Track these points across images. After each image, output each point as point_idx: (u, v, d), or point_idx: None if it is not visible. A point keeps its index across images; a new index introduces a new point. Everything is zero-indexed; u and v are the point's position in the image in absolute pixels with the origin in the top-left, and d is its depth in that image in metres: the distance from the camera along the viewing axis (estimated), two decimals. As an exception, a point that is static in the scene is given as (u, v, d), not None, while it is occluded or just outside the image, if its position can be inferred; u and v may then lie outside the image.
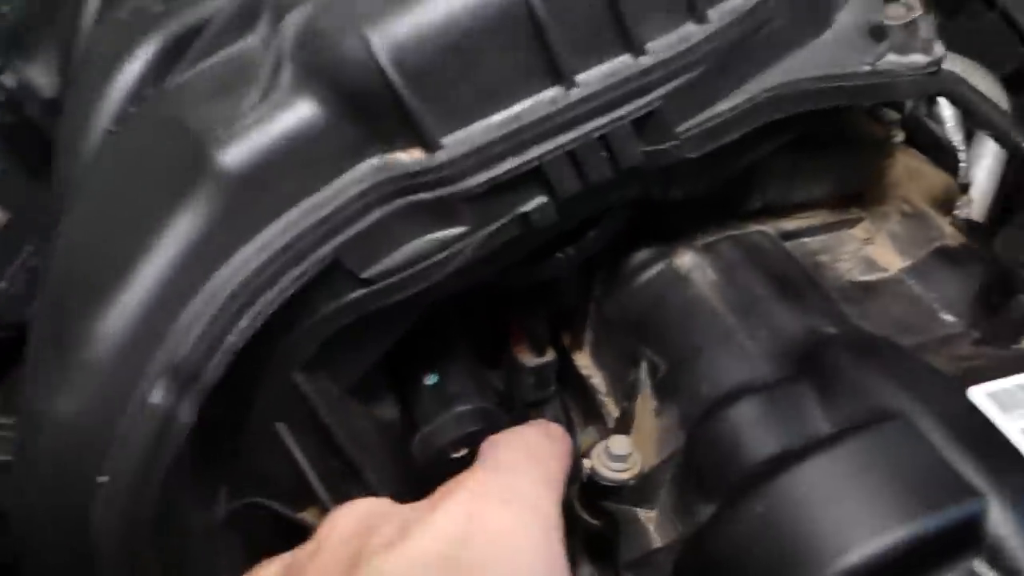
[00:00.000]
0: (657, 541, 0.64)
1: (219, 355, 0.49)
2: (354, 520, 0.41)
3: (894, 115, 0.77)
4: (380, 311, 0.57)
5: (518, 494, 0.41)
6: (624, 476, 0.68)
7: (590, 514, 0.73)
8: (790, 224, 0.76)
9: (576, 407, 0.85)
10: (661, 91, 0.53)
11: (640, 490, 0.66)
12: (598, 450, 0.70)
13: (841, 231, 0.76)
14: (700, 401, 0.62)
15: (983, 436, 0.50)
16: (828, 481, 0.49)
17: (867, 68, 0.56)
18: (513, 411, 0.80)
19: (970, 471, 0.48)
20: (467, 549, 0.36)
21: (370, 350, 0.62)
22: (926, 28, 0.55)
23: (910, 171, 0.82)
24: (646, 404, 0.70)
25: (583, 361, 0.82)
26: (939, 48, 0.56)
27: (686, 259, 0.71)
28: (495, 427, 0.67)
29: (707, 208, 0.75)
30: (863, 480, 0.49)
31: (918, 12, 0.55)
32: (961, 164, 0.87)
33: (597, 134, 0.53)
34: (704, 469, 0.59)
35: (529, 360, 0.81)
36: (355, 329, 0.58)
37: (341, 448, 0.61)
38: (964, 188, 0.86)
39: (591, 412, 0.79)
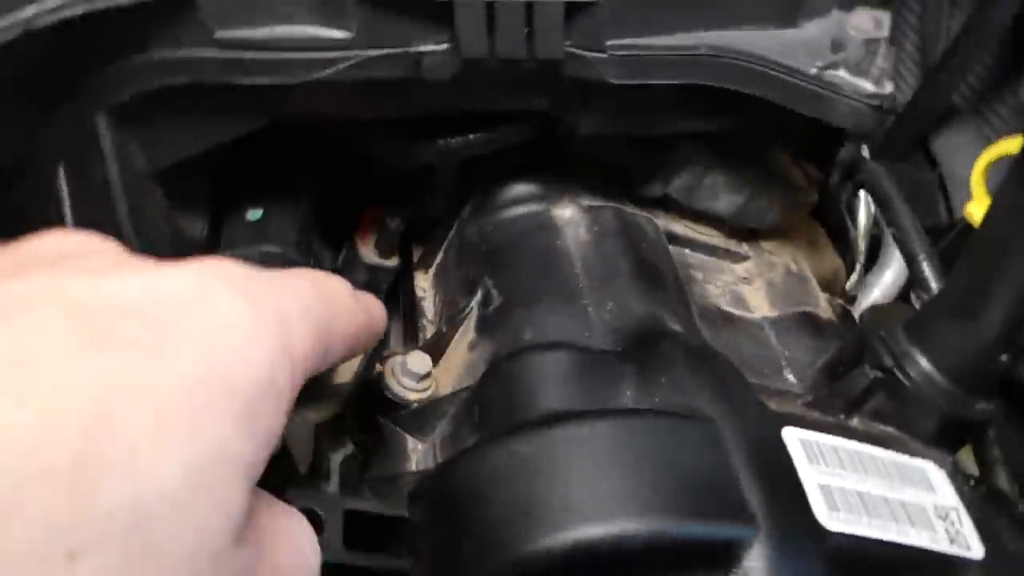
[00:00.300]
0: (413, 468, 0.58)
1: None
2: (69, 241, 0.33)
3: (817, 174, 0.75)
4: (219, 94, 0.49)
5: (271, 298, 0.33)
6: (410, 396, 0.62)
7: (359, 425, 0.66)
8: (678, 228, 0.71)
9: (397, 326, 0.79)
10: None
11: (419, 417, 0.60)
12: (394, 361, 0.63)
13: (724, 260, 0.73)
14: (516, 344, 0.57)
15: (780, 474, 0.46)
16: (605, 450, 0.44)
17: (814, 71, 0.52)
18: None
19: (754, 499, 0.44)
20: (178, 313, 0.29)
21: (193, 138, 0.54)
22: (884, 58, 0.52)
23: (811, 241, 0.79)
24: (465, 336, 0.64)
25: (422, 282, 0.76)
26: (889, 86, 0.53)
27: (566, 212, 0.66)
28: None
29: (606, 174, 0.70)
30: (645, 462, 0.44)
31: (883, 34, 0.52)
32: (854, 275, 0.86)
33: (525, -1, 0.47)
34: (487, 406, 0.53)
35: (369, 256, 0.74)
36: (184, 103, 0.50)
37: (120, 223, 0.52)
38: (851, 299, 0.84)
39: (410, 334, 0.72)
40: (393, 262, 0.75)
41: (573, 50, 0.51)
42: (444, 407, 0.59)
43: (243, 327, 0.30)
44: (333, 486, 0.70)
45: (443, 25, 0.49)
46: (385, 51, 0.49)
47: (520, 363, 0.53)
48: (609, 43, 0.51)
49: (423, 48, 0.50)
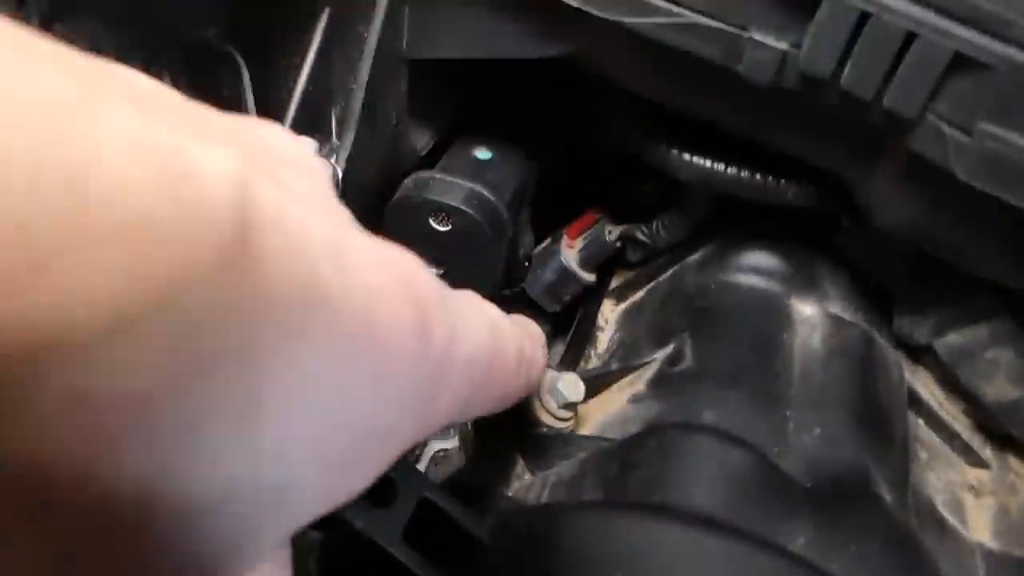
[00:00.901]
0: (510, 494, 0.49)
1: None
2: (287, 145, 0.26)
3: None
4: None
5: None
6: (545, 419, 0.53)
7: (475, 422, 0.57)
8: (924, 392, 0.58)
9: (553, 337, 0.70)
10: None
11: (543, 445, 0.50)
12: (551, 379, 0.54)
13: (959, 456, 0.59)
14: (690, 419, 0.46)
15: None
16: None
17: None
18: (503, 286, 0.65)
19: None
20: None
21: (467, 40, 0.47)
22: None
23: None
24: (633, 386, 0.54)
25: (608, 313, 0.66)
26: None
27: (807, 309, 0.55)
28: (488, 233, 0.52)
29: (871, 290, 0.58)
30: None
31: None
32: None
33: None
34: (630, 468, 0.43)
35: (570, 259, 0.66)
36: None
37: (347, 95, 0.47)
38: None
39: (571, 359, 0.63)
40: (590, 277, 0.66)
41: (929, 116, 0.41)
42: (574, 448, 0.49)
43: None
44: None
45: (796, 21, 0.40)
46: (718, 24, 0.41)
47: (690, 440, 0.42)
48: (982, 127, 0.40)
49: (758, 37, 0.41)
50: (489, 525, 0.38)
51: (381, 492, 0.36)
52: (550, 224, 0.68)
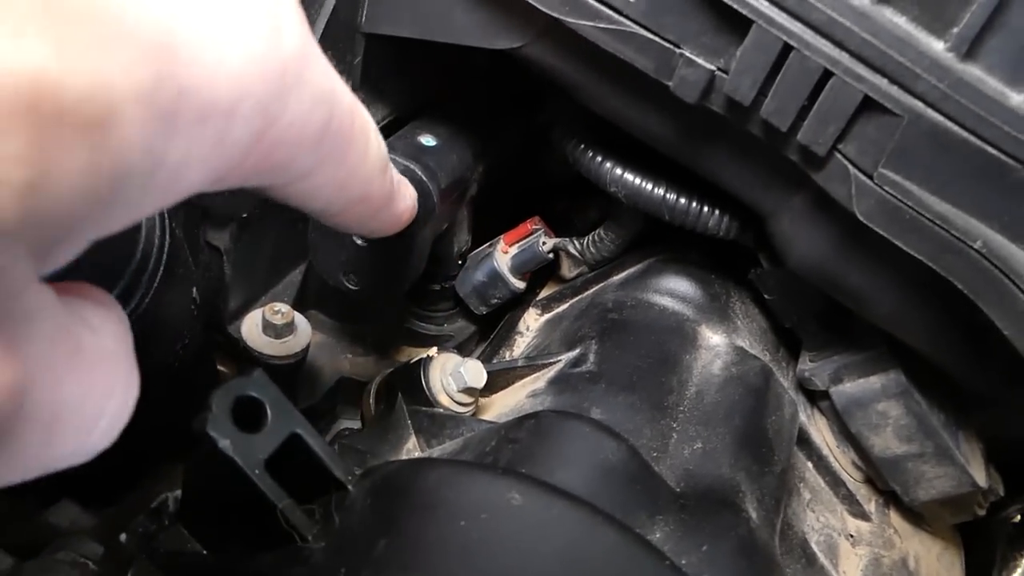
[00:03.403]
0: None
1: None
2: None
3: (998, 488, 0.61)
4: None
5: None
6: (443, 400, 0.54)
7: (380, 394, 0.58)
8: (817, 436, 0.60)
9: (474, 343, 0.71)
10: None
11: (436, 424, 0.51)
12: (449, 360, 0.56)
13: (841, 504, 0.61)
14: (573, 410, 0.47)
15: None
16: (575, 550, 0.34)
17: None
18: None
19: None
20: None
21: (417, 19, 0.49)
22: None
23: (944, 557, 0.65)
24: (534, 383, 0.56)
25: (530, 321, 0.68)
26: None
27: (713, 338, 0.57)
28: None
29: (779, 331, 0.60)
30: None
31: None
32: None
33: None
34: (507, 444, 0.44)
35: (502, 264, 0.67)
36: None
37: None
38: None
39: (486, 357, 0.64)
40: (520, 284, 0.67)
41: (837, 155, 0.43)
42: (464, 428, 0.50)
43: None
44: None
45: (727, 45, 0.43)
46: (653, 37, 0.43)
47: (566, 425, 0.43)
48: (883, 172, 0.42)
49: (690, 55, 0.43)
50: (354, 472, 0.39)
51: (250, 416, 0.37)
52: (493, 235, 0.70)
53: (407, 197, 0.39)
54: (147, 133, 0.20)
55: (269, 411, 0.37)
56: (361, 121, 0.32)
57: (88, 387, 0.23)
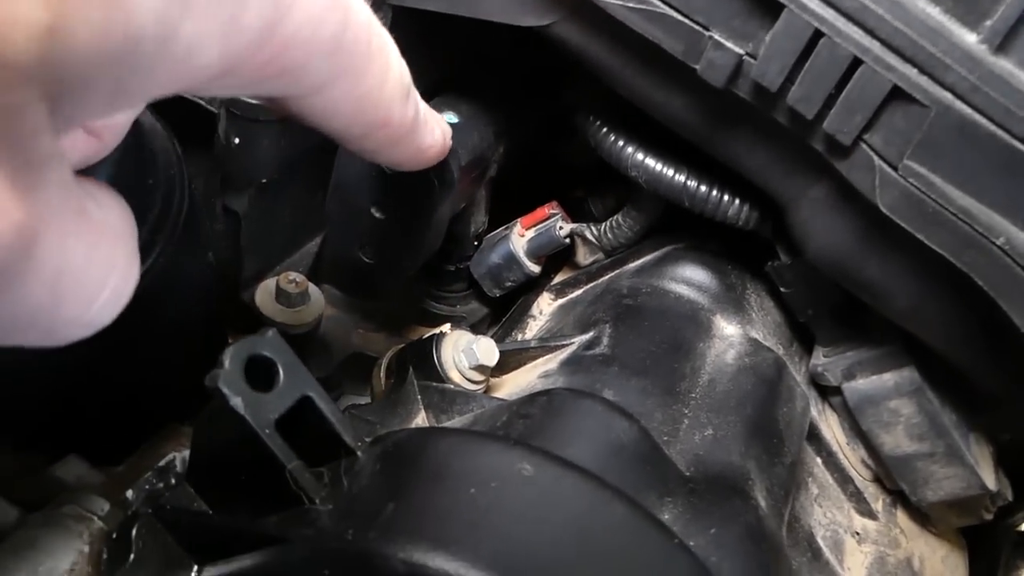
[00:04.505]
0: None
1: None
2: None
3: (1007, 493, 0.61)
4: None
5: None
6: (454, 376, 0.54)
7: (391, 368, 0.58)
8: (827, 432, 0.60)
9: (486, 326, 0.71)
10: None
11: (447, 399, 0.51)
12: (462, 337, 0.55)
13: (848, 501, 0.60)
14: (591, 392, 0.47)
15: None
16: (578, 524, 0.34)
17: None
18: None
19: None
20: None
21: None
22: None
23: (949, 559, 0.65)
24: (546, 364, 0.56)
25: (544, 305, 0.68)
26: None
27: (728, 328, 0.57)
28: (433, 185, 0.53)
29: (795, 324, 0.60)
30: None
31: None
32: None
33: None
34: (519, 419, 0.44)
35: (518, 247, 0.67)
36: None
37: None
38: None
39: (497, 337, 0.64)
40: (535, 268, 0.67)
41: (863, 145, 0.43)
42: (474, 404, 0.50)
43: None
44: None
45: (756, 29, 0.42)
46: (683, 19, 0.43)
47: (579, 402, 0.43)
48: (908, 163, 0.42)
49: (719, 38, 0.43)
50: (366, 439, 0.39)
51: (262, 376, 0.37)
52: (509, 218, 0.70)
53: (435, 131, 0.39)
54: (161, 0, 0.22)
55: (281, 372, 0.37)
56: (380, 41, 0.32)
57: (92, 253, 0.24)
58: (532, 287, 0.69)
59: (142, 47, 0.22)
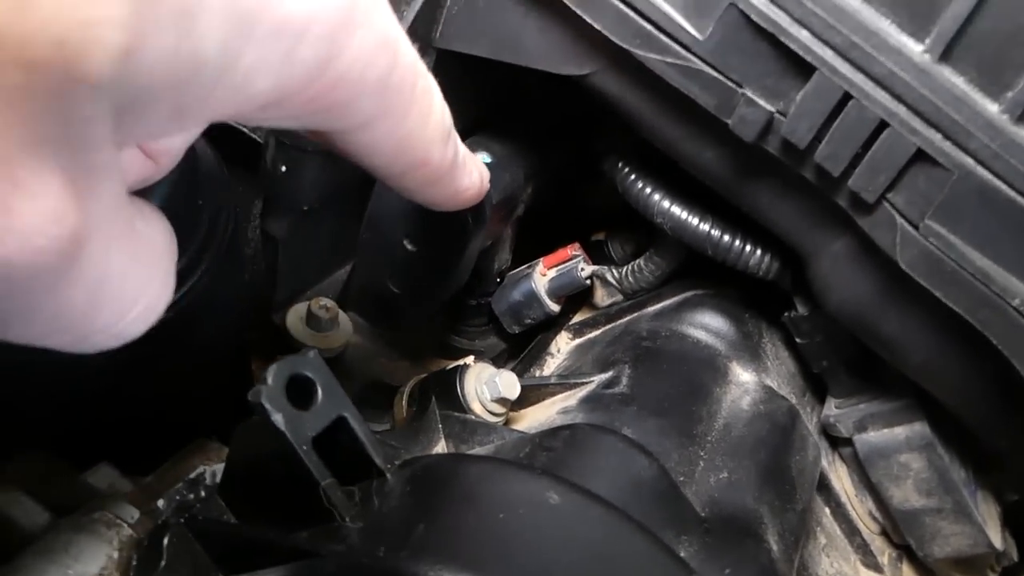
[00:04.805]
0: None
1: None
2: None
3: (1012, 554, 0.61)
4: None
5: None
6: (476, 408, 0.55)
7: (413, 396, 0.59)
8: (836, 483, 0.61)
9: (503, 361, 0.73)
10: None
11: (468, 429, 0.52)
12: (484, 369, 0.57)
13: (855, 553, 0.61)
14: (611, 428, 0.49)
15: None
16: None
17: None
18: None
19: None
20: None
21: (494, 41, 0.51)
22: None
23: None
24: (565, 400, 0.57)
25: (562, 343, 0.69)
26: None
27: (744, 375, 0.58)
28: (467, 223, 0.55)
29: (809, 375, 0.62)
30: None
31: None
32: None
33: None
34: (541, 450, 0.45)
35: (540, 286, 0.68)
36: None
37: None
38: None
39: (518, 374, 0.66)
40: (555, 307, 0.68)
41: (886, 204, 0.45)
42: (495, 435, 0.51)
43: None
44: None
45: (788, 89, 0.44)
46: (718, 75, 0.45)
47: (600, 438, 0.45)
48: (929, 223, 0.43)
49: (751, 95, 0.45)
50: (395, 462, 0.40)
51: (301, 394, 0.38)
52: (530, 257, 0.72)
53: (473, 174, 0.40)
54: (226, 31, 0.23)
55: (320, 391, 0.39)
56: (425, 83, 0.34)
57: (132, 267, 0.25)
58: (551, 325, 0.70)
59: (205, 72, 0.23)
